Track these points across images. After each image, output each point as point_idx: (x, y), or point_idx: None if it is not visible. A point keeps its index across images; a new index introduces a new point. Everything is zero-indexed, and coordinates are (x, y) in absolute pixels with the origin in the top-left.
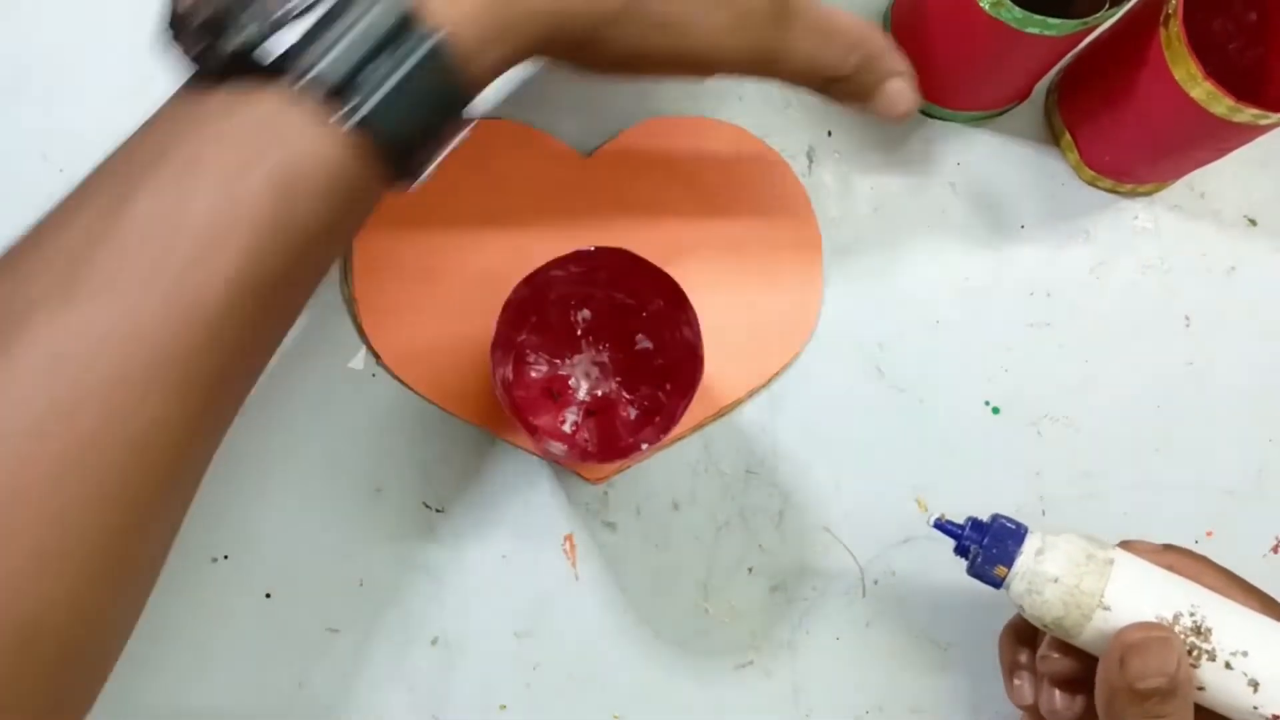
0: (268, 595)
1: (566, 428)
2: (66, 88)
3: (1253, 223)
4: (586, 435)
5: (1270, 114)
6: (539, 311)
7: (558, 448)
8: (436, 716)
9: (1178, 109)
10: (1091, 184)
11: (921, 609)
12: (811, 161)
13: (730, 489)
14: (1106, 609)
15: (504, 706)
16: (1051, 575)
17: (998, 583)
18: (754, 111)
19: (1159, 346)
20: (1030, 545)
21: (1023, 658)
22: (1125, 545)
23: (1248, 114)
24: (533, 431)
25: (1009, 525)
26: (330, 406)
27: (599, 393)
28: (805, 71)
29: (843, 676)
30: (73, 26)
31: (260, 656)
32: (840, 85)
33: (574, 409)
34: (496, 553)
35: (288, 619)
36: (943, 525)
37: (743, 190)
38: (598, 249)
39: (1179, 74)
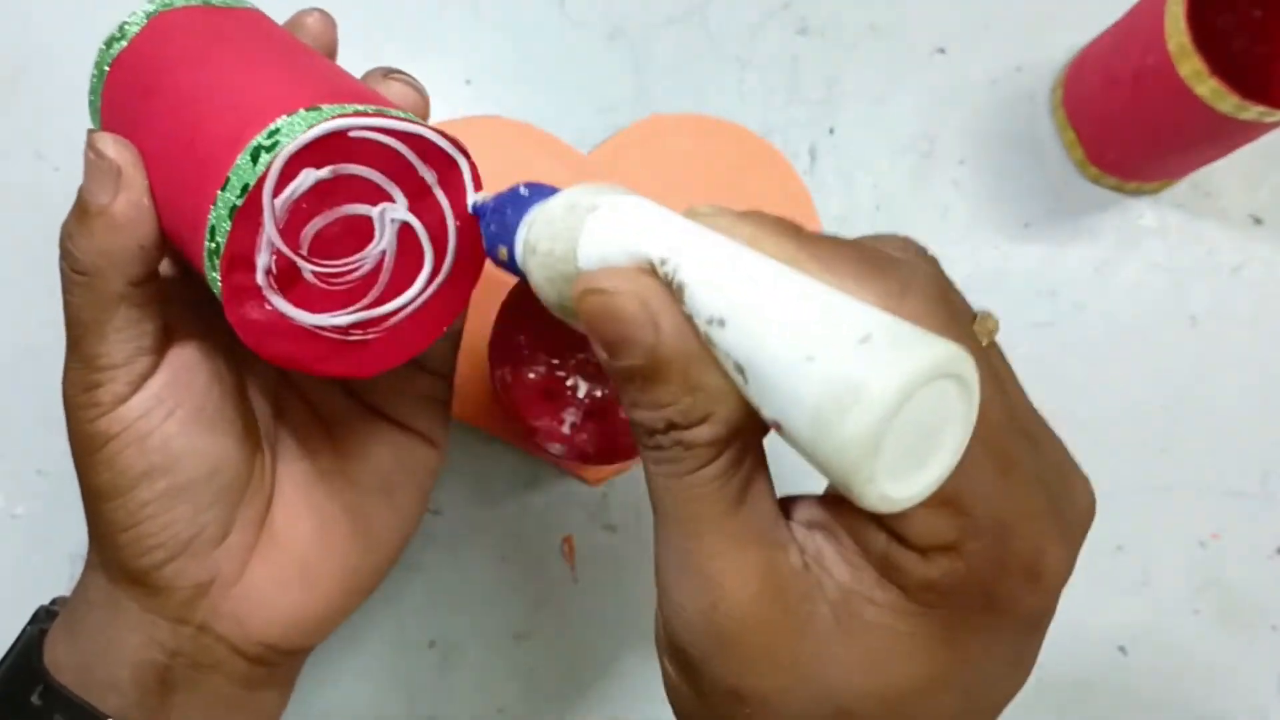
0: None
1: (565, 429)
2: (61, 86)
3: (1258, 221)
4: (586, 437)
5: (1276, 112)
6: (538, 311)
7: (557, 449)
8: (435, 718)
9: (1183, 106)
10: (1096, 182)
11: None
12: (813, 159)
13: None
14: (581, 271)
15: (502, 709)
16: (533, 245)
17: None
18: (756, 109)
19: (1165, 346)
20: (532, 213)
21: None
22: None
23: (1254, 111)
24: (531, 433)
25: (519, 192)
26: None
27: (598, 394)
28: None
29: None
30: (66, 25)
31: None
32: None
33: (573, 410)
34: (495, 554)
35: None
36: (478, 208)
37: (744, 188)
38: None
39: (1184, 71)
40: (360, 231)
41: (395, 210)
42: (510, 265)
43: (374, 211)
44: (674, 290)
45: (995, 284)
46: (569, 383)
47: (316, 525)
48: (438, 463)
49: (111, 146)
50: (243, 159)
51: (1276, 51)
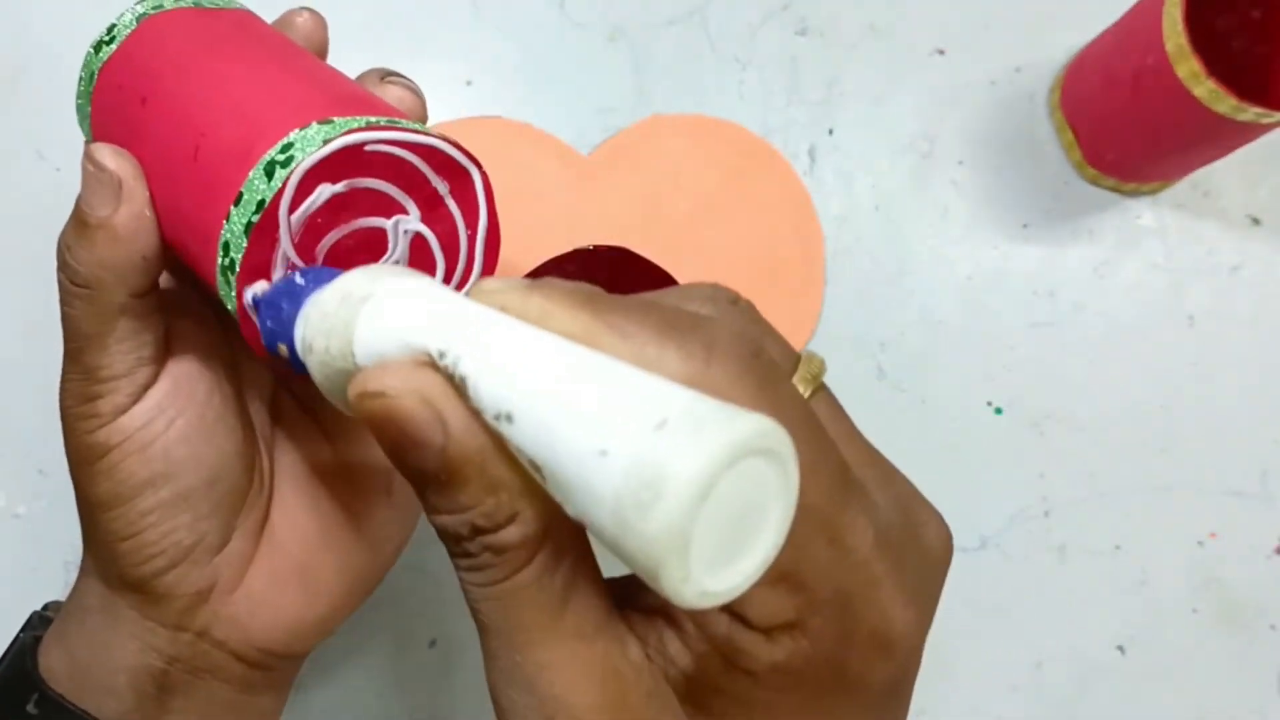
0: None
1: None
2: (61, 87)
3: (1257, 222)
4: None
5: (1274, 113)
6: None
7: None
8: (435, 717)
9: (1181, 108)
10: (1094, 183)
11: None
12: (813, 160)
13: None
14: (359, 369)
15: None
16: (307, 343)
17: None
18: (755, 110)
19: (1163, 346)
20: (307, 305)
21: None
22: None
23: (1251, 113)
24: None
25: (298, 278)
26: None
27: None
28: None
29: None
30: (66, 25)
31: None
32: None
33: None
34: None
35: None
36: (251, 300)
37: (743, 189)
38: (597, 247)
39: (1182, 72)
40: (374, 243)
41: (408, 222)
42: (295, 364)
43: (388, 224)
44: (456, 384)
45: (994, 284)
46: None
47: (316, 528)
48: None
49: (111, 158)
50: (256, 174)
51: (1274, 52)
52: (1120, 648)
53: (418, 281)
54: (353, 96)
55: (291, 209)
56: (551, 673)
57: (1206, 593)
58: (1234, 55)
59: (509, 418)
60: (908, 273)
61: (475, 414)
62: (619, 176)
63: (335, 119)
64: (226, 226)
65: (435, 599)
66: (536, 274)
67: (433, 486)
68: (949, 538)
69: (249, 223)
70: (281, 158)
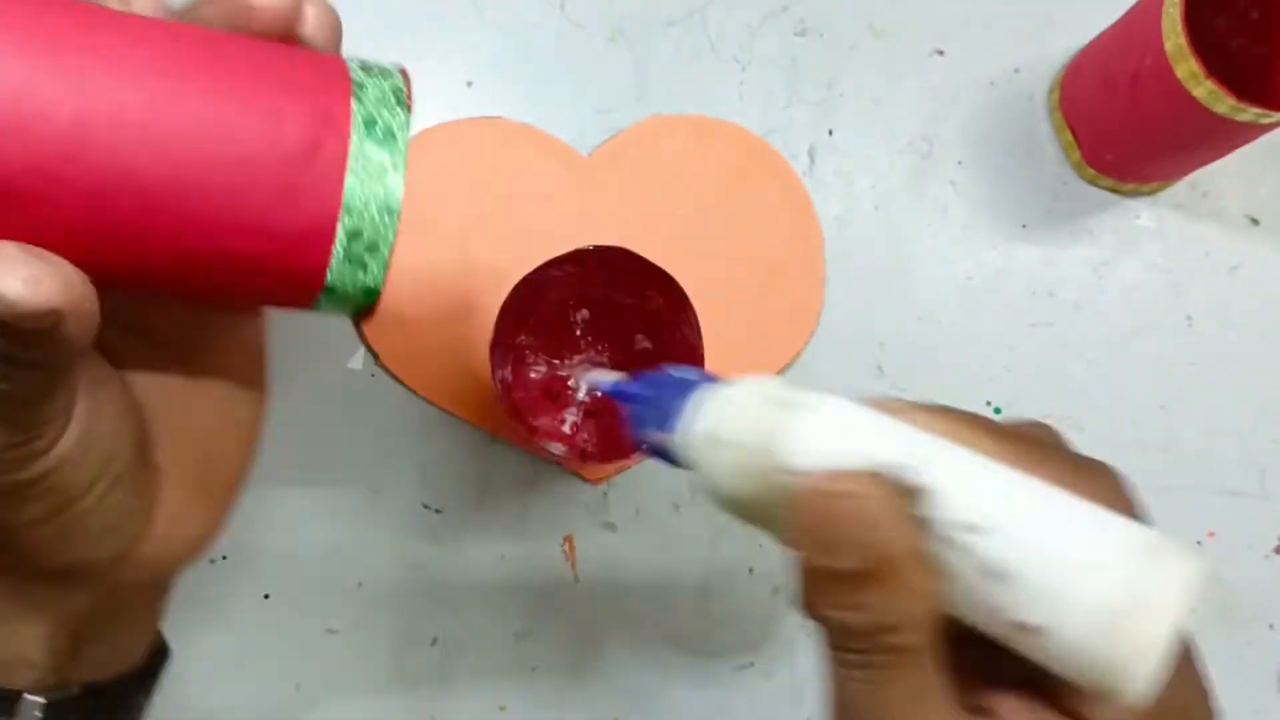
0: (266, 596)
1: (566, 428)
2: None
3: (1255, 222)
4: (586, 436)
5: (1273, 113)
6: (538, 312)
7: (557, 448)
8: (435, 717)
9: (1180, 108)
10: (1093, 183)
11: None
12: (813, 160)
13: None
14: (791, 471)
15: (503, 707)
16: (721, 438)
17: (673, 458)
18: (755, 110)
19: (1162, 346)
20: (700, 400)
21: None
22: (877, 404)
23: (1250, 113)
24: (532, 433)
25: (674, 375)
26: (329, 407)
27: (599, 393)
28: None
29: None
30: None
31: (259, 657)
32: None
33: (573, 409)
34: (496, 553)
35: (286, 620)
36: (613, 388)
37: (743, 189)
38: (596, 248)
39: (1181, 73)
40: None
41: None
42: (660, 449)
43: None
44: (912, 494)
45: (994, 284)
46: (569, 383)
47: (194, 435)
48: (262, 325)
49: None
50: None
51: (1273, 53)
52: None
53: (834, 396)
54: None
55: None
56: None
57: (1205, 592)
58: (1233, 56)
59: (975, 529)
60: (907, 272)
61: (914, 524)
62: (619, 177)
63: None
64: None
65: (436, 598)
66: (536, 275)
67: (845, 584)
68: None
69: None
70: None
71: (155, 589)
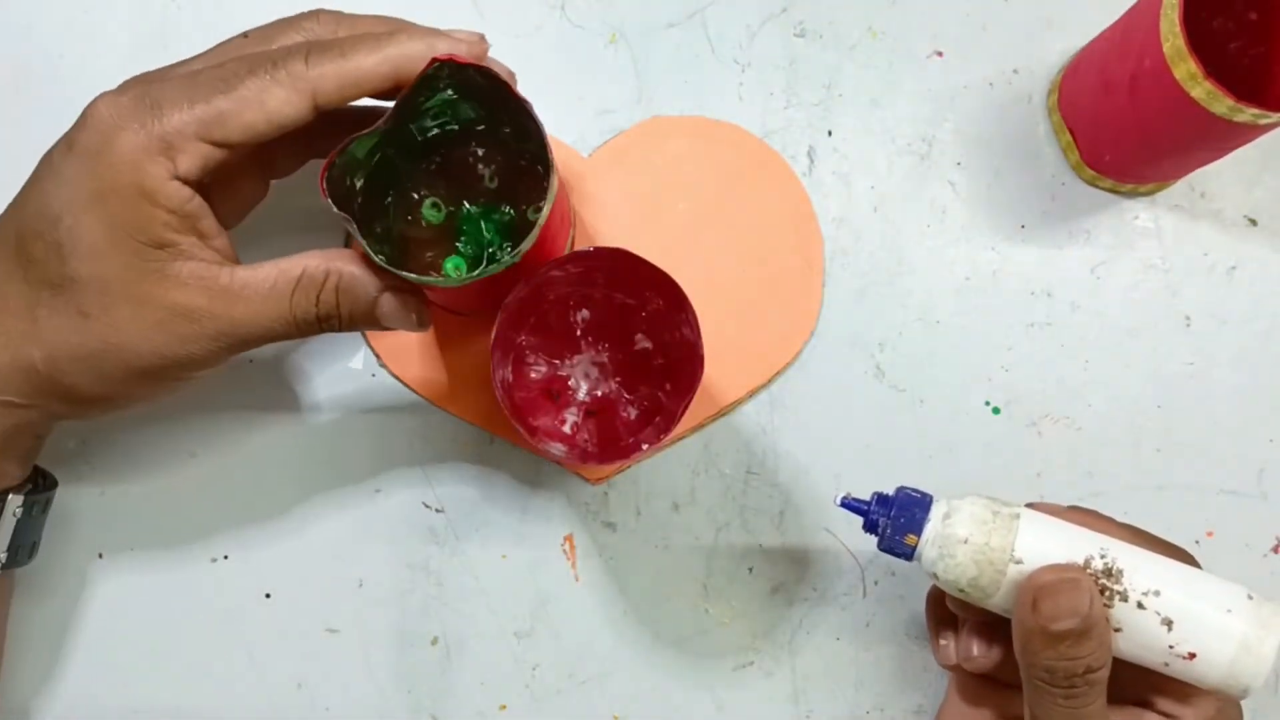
0: (267, 595)
1: (566, 428)
2: (68, 85)
3: (1253, 222)
4: (587, 436)
5: (1271, 114)
6: (538, 312)
7: (558, 449)
8: (436, 716)
9: (1178, 109)
10: (1092, 184)
11: (921, 609)
12: (812, 161)
13: (730, 489)
14: (1018, 562)
15: (504, 706)
16: (960, 537)
17: (909, 553)
18: (754, 111)
19: (1160, 346)
20: (937, 511)
21: (947, 617)
22: (1030, 507)
23: (1248, 114)
24: (532, 433)
25: (914, 494)
26: (330, 406)
27: (599, 393)
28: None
29: (843, 677)
30: (73, 24)
31: (260, 657)
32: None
33: (574, 410)
34: (496, 553)
35: (287, 619)
36: (849, 503)
37: (743, 190)
38: (596, 249)
39: (1179, 73)
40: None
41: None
42: (905, 550)
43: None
44: (1108, 573)
45: (992, 285)
46: (570, 383)
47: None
48: None
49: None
50: None
51: (1272, 53)
52: None
53: (1025, 507)
54: None
55: None
56: None
57: None
58: (1230, 57)
59: (1156, 592)
60: (906, 273)
61: (1098, 597)
62: (619, 178)
63: None
64: None
65: (437, 597)
66: (536, 275)
67: (1068, 640)
68: None
69: None
70: None
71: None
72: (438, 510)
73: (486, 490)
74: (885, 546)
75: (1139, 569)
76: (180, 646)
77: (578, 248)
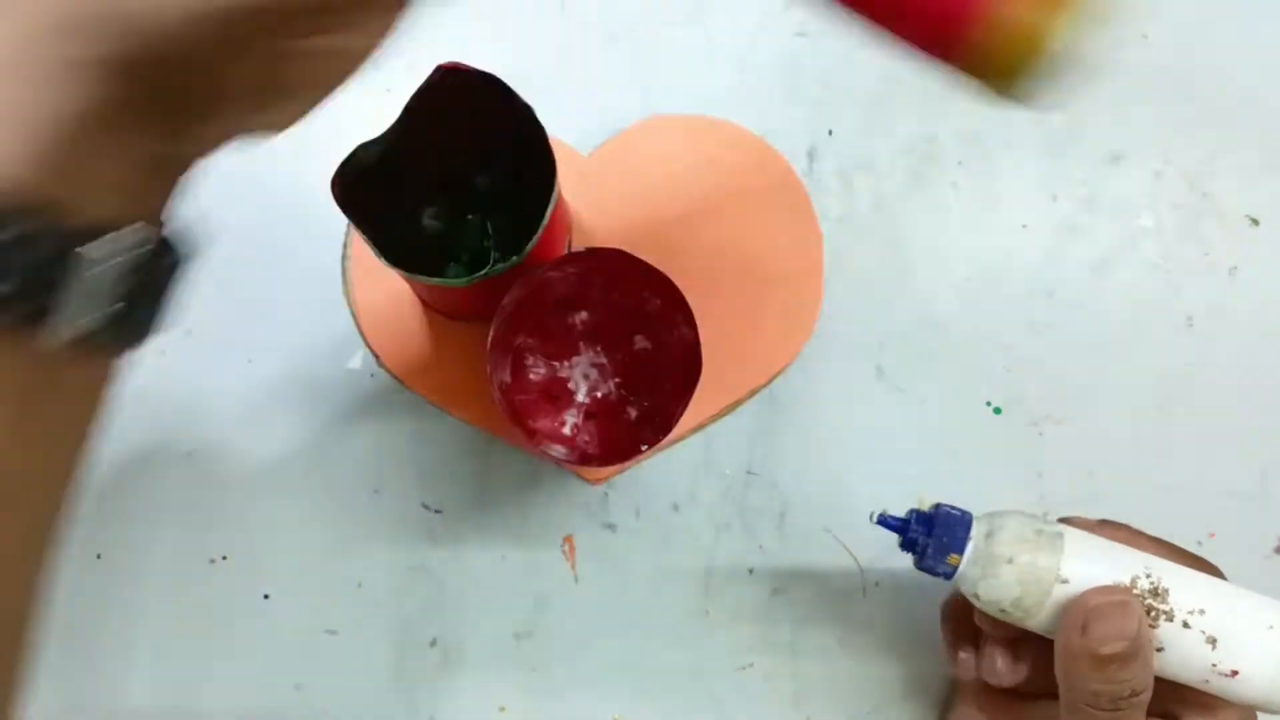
0: (266, 596)
1: (566, 430)
2: None
3: (1255, 222)
4: (586, 437)
5: None
6: (536, 314)
7: (557, 450)
8: (435, 718)
9: None
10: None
11: (922, 610)
12: (812, 160)
13: (730, 490)
14: (1065, 582)
15: (503, 708)
16: (1005, 556)
17: (949, 573)
18: (755, 110)
19: (1161, 347)
20: (979, 530)
21: (966, 630)
22: (1063, 521)
23: None
24: (531, 435)
25: (954, 513)
26: (329, 407)
27: (598, 394)
28: None
29: (843, 678)
30: None
31: (258, 658)
32: None
33: (573, 411)
34: (495, 554)
35: (286, 620)
36: (886, 520)
37: (743, 189)
38: (593, 250)
39: None
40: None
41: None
42: (946, 570)
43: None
44: (1155, 593)
45: (993, 285)
46: (569, 384)
47: None
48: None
49: None
50: None
51: None
52: None
53: (1067, 526)
54: None
55: None
56: None
57: None
58: None
59: (1201, 611)
60: (906, 273)
61: (1150, 612)
62: (619, 177)
63: None
64: None
65: (436, 599)
66: (534, 276)
67: (1115, 663)
68: None
69: None
70: None
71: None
72: (437, 511)
73: (485, 491)
74: (925, 566)
75: (1183, 587)
76: (179, 647)
77: (576, 248)
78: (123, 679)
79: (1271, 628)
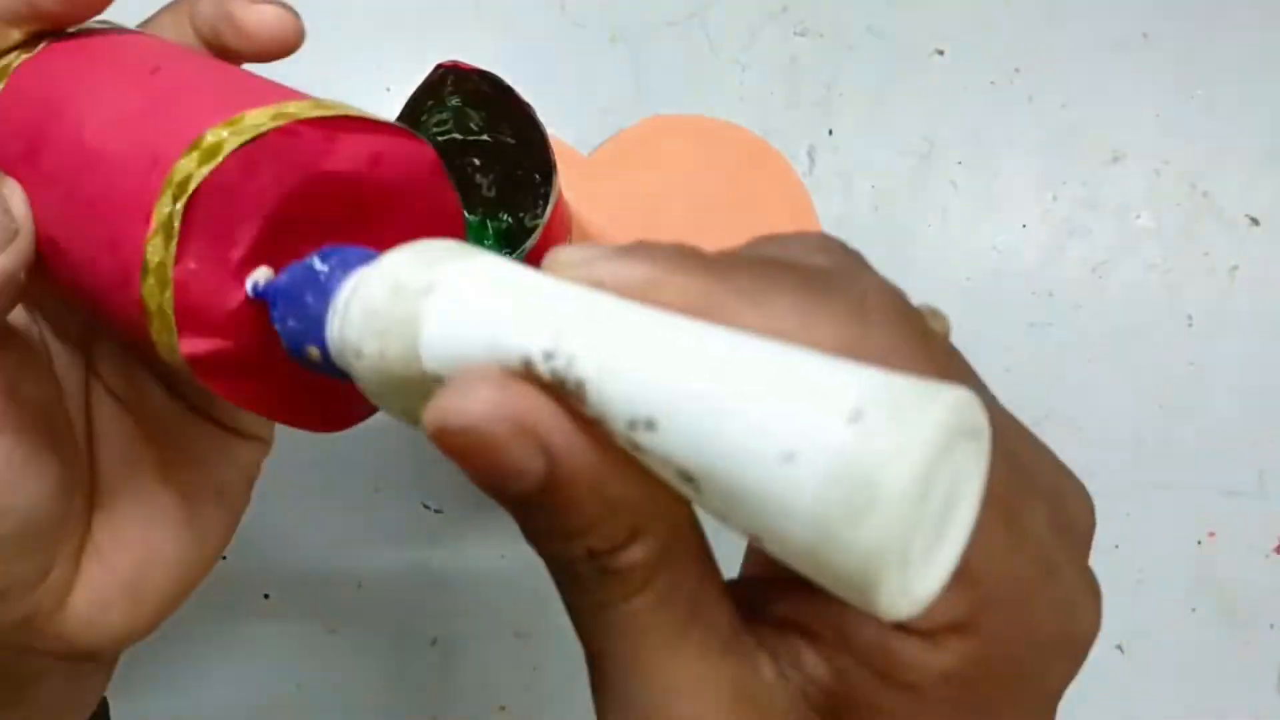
0: (266, 596)
1: None
2: None
3: (1255, 222)
4: None
5: None
6: None
7: None
8: (436, 718)
9: None
10: None
11: None
12: (812, 161)
13: None
14: (439, 380)
15: (503, 708)
16: (354, 347)
17: (335, 371)
18: (755, 110)
19: (1161, 346)
20: (341, 297)
21: None
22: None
23: None
24: None
25: (317, 264)
26: None
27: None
28: None
29: None
30: None
31: (258, 658)
32: None
33: None
34: (496, 552)
35: (286, 620)
36: (261, 290)
37: (743, 189)
38: None
39: None
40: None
41: None
42: (328, 368)
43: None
44: (568, 390)
45: (993, 285)
46: None
47: (143, 540)
48: (265, 453)
49: (19, 201)
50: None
51: None
52: (1119, 647)
53: (488, 261)
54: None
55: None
56: (676, 699)
57: (1205, 592)
58: None
59: (650, 424)
60: (906, 273)
61: (590, 424)
62: (619, 177)
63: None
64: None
65: (436, 598)
66: None
67: (536, 514)
68: (1093, 509)
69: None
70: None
71: (77, 672)
72: (437, 510)
73: None
74: (303, 363)
75: (622, 372)
76: (178, 648)
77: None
78: (121, 680)
79: (791, 457)
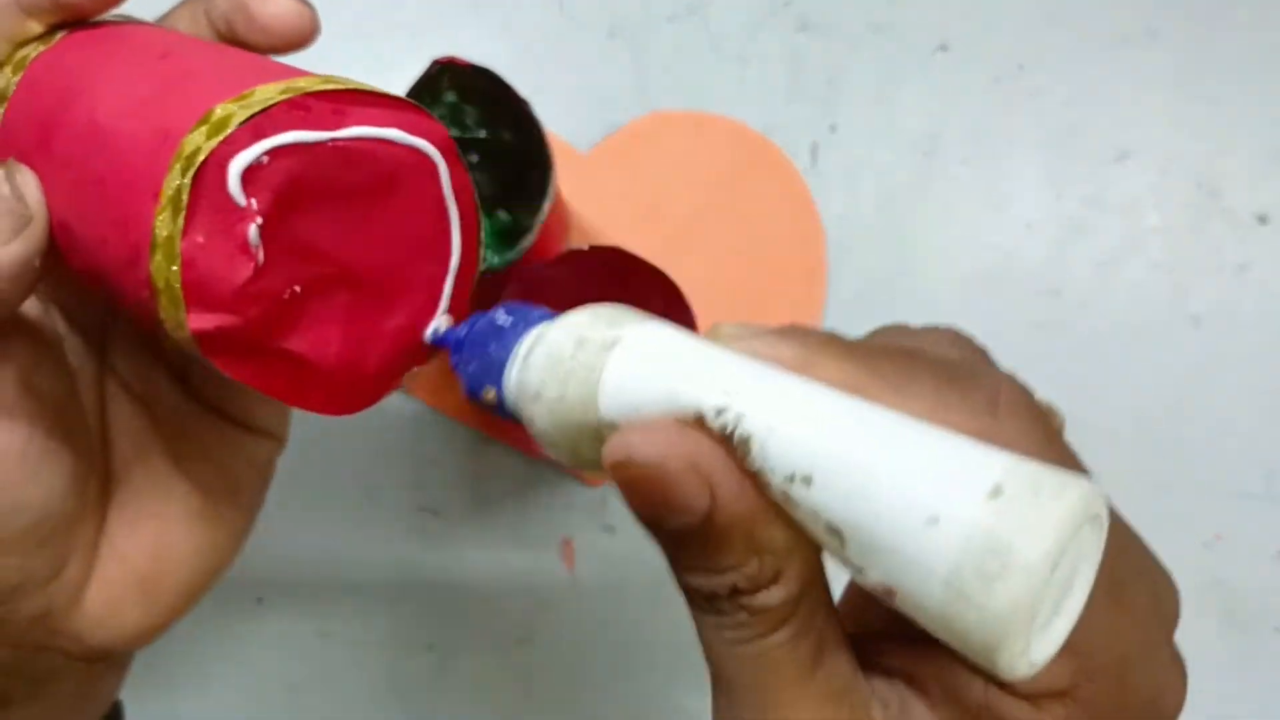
0: (259, 600)
1: None
2: None
3: (1263, 220)
4: None
5: None
6: None
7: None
8: None
9: None
10: None
11: None
12: (814, 158)
13: None
14: (612, 425)
15: (501, 713)
16: (532, 390)
17: (508, 414)
18: (756, 107)
19: (1168, 346)
20: (524, 346)
21: None
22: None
23: None
24: (529, 438)
25: (500, 317)
26: None
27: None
28: None
29: None
30: None
31: (252, 663)
32: None
33: None
34: (493, 557)
35: (280, 625)
36: (440, 338)
37: (744, 186)
38: (591, 248)
39: None
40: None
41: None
42: (500, 409)
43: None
44: (734, 444)
45: (998, 284)
46: None
47: (157, 535)
48: (280, 451)
49: (33, 188)
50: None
51: None
52: None
53: (662, 326)
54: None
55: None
56: None
57: (1211, 594)
58: None
59: (807, 480)
60: (910, 271)
61: (751, 475)
62: (619, 174)
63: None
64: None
65: (433, 604)
66: (530, 275)
67: (690, 548)
68: (1178, 595)
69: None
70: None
71: (92, 673)
72: (433, 513)
73: (483, 493)
74: (478, 403)
75: (787, 433)
76: (171, 653)
77: (574, 247)
78: None
79: (935, 521)
